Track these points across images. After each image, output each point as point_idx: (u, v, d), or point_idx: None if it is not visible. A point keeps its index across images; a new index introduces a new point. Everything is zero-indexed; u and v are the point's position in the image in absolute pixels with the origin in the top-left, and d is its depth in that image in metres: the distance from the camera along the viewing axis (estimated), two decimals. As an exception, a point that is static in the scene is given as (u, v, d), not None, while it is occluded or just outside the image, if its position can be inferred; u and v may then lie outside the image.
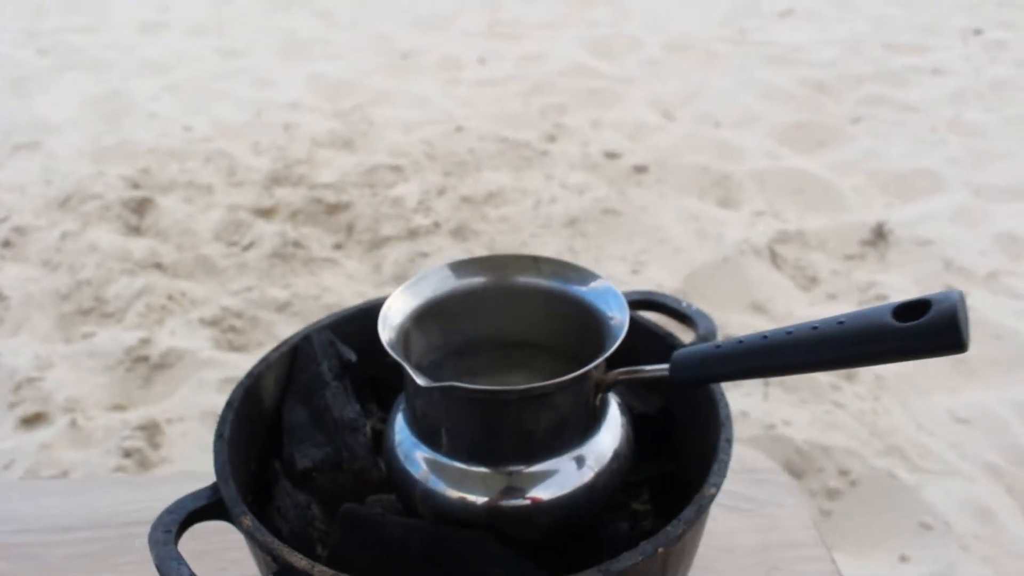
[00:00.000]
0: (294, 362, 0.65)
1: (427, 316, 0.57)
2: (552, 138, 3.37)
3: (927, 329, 0.45)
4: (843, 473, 1.81)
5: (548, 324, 0.59)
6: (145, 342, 2.15)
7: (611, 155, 3.19)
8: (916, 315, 0.46)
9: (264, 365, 0.62)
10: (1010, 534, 1.69)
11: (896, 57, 4.21)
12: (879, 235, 2.65)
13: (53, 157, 3.35)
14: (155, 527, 0.52)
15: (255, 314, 2.27)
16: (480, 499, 0.54)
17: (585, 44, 4.52)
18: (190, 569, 0.49)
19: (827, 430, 1.91)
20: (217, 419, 1.78)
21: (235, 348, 2.17)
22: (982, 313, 2.29)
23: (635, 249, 2.59)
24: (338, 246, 2.65)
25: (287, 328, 2.21)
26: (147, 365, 2.10)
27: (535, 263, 0.60)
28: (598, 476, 0.55)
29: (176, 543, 0.51)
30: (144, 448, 1.80)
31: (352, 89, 3.95)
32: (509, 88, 3.92)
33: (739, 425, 1.91)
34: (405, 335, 0.55)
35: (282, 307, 2.30)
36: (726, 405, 0.59)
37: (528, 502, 0.54)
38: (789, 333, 0.49)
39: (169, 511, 0.53)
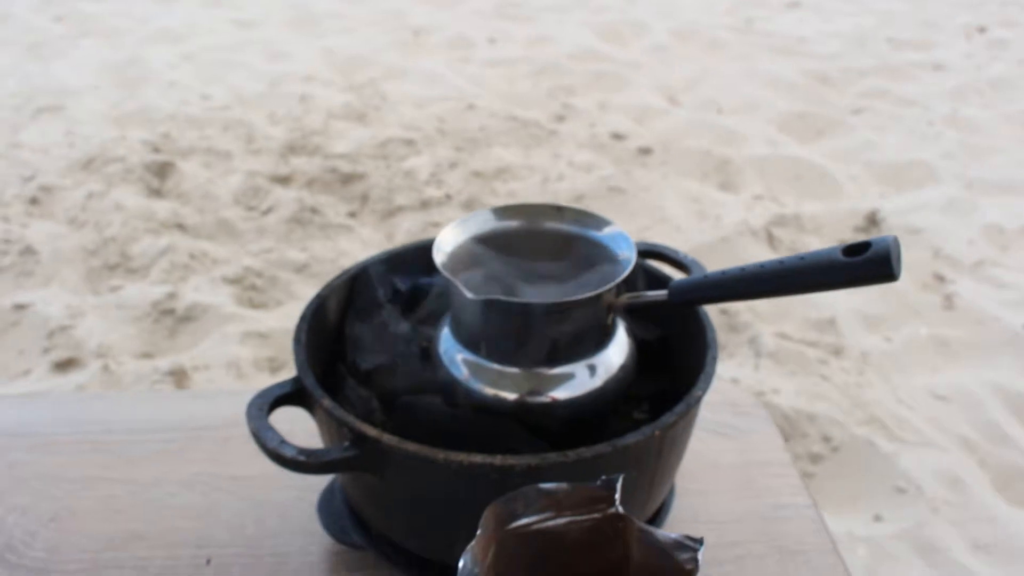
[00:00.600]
0: (353, 288, 0.77)
1: (471, 248, 0.69)
2: (560, 118, 3.48)
3: (867, 263, 0.57)
4: (826, 439, 1.94)
5: (569, 261, 0.71)
6: (171, 296, 2.27)
7: (617, 136, 3.30)
8: (859, 253, 0.58)
9: (329, 289, 0.75)
10: (977, 501, 1.81)
11: (899, 52, 4.32)
12: (872, 222, 2.77)
13: (75, 121, 3.45)
14: (250, 406, 0.64)
15: (275, 274, 2.39)
16: (511, 395, 0.66)
17: (593, 28, 4.62)
18: (280, 435, 0.61)
19: (813, 400, 2.04)
20: (239, 370, 1.88)
21: (256, 305, 2.29)
22: (967, 300, 2.41)
23: (638, 226, 2.71)
24: (352, 214, 2.77)
25: (306, 288, 2.33)
26: (173, 318, 2.22)
27: (559, 211, 0.73)
28: (607, 383, 0.68)
29: (267, 418, 0.63)
30: (173, 392, 1.92)
31: (365, 64, 4.05)
32: (519, 69, 4.02)
33: (730, 391, 2.03)
34: (454, 260, 0.67)
35: (300, 268, 2.42)
36: (713, 331, 0.71)
37: (549, 399, 0.66)
38: (762, 266, 0.61)
39: (259, 395, 0.65)
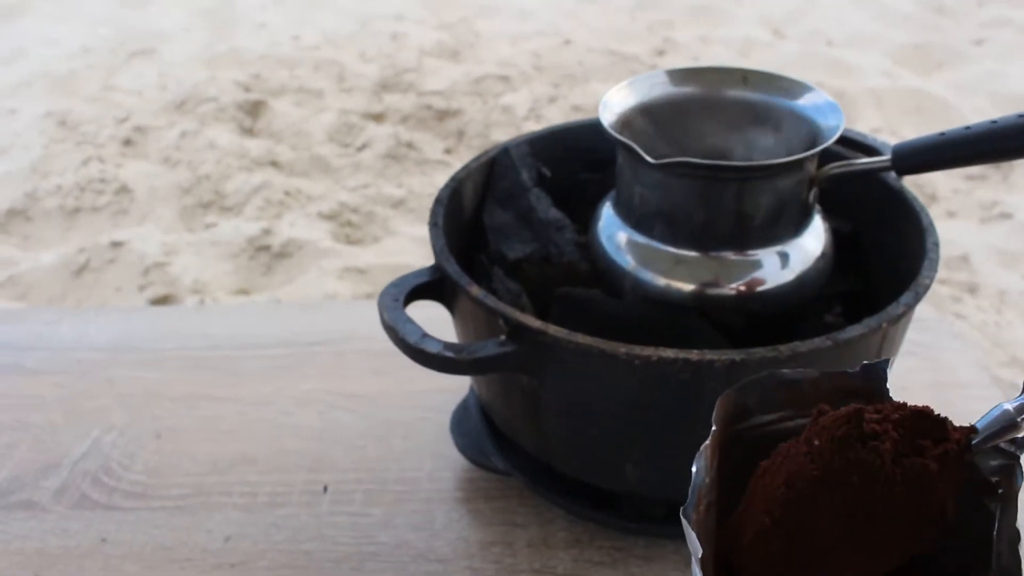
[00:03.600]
0: (491, 173, 0.66)
1: (641, 115, 0.58)
2: (661, 52, 3.32)
3: None
4: (964, 382, 1.79)
5: (758, 133, 0.59)
6: (266, 232, 2.20)
7: (722, 70, 3.14)
8: None
9: (465, 172, 0.64)
10: None
11: (1022, -22, 4.04)
12: (1001, 154, 2.57)
13: (167, 63, 3.41)
14: (383, 295, 0.54)
15: (371, 209, 2.31)
16: (687, 286, 0.55)
17: (692, -38, 4.41)
18: (418, 326, 0.51)
19: (948, 340, 1.89)
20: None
21: (352, 242, 2.22)
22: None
23: (748, 160, 2.56)
24: (449, 151, 2.67)
25: (403, 223, 2.25)
26: (269, 254, 2.15)
27: (745, 78, 0.60)
28: (803, 276, 0.56)
29: (403, 310, 0.53)
30: (271, 327, 1.85)
31: (456, 2, 3.93)
32: (615, 3, 3.86)
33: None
34: (621, 125, 0.56)
35: (397, 204, 2.33)
36: (927, 214, 0.59)
37: (733, 291, 0.55)
38: (1021, 116, 0.49)
39: (394, 284, 0.55)
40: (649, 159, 0.50)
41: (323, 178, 2.51)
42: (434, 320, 0.54)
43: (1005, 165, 2.55)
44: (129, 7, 4.09)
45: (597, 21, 3.66)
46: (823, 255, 0.57)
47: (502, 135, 2.67)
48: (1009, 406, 0.31)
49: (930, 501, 0.30)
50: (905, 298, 0.51)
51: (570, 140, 0.68)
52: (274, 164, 2.57)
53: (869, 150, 0.68)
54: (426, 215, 2.31)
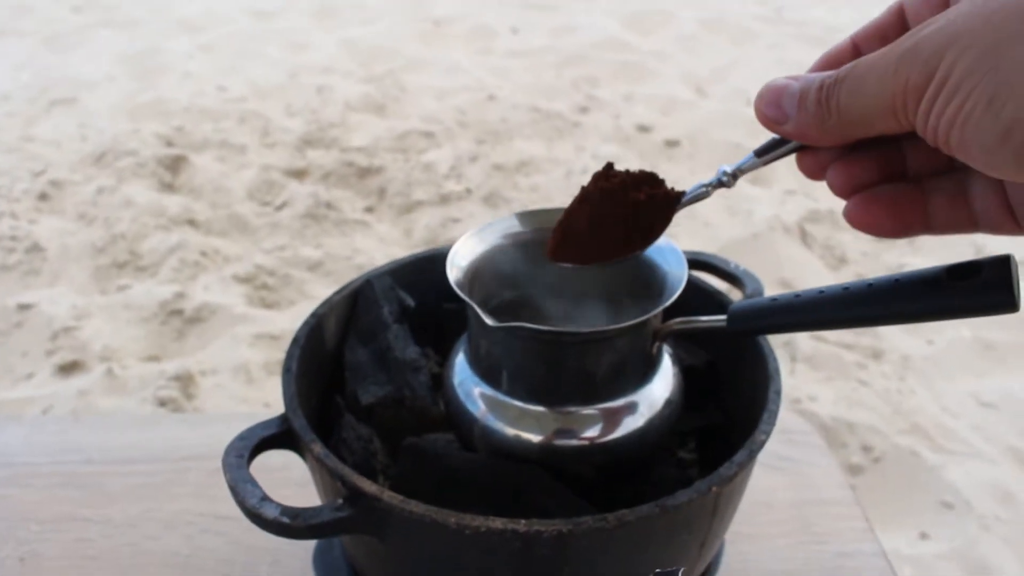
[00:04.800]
0: (355, 305, 0.67)
1: (492, 261, 0.59)
2: (584, 110, 3.37)
3: (981, 287, 0.46)
4: (866, 449, 1.83)
5: (607, 277, 0.61)
6: (179, 296, 2.18)
7: (643, 128, 3.19)
8: (969, 276, 0.47)
9: (327, 306, 0.65)
10: (1031, 517, 1.70)
11: (933, 40, 4.17)
12: (909, 217, 2.64)
13: (89, 113, 3.38)
14: (228, 452, 0.54)
15: (288, 272, 2.30)
16: (535, 437, 0.56)
17: (619, 17, 4.49)
18: (262, 489, 0.51)
19: (852, 407, 1.93)
20: (248, 374, 1.79)
21: (267, 305, 2.20)
22: (1011, 299, 2.29)
23: (665, 223, 2.60)
24: (369, 209, 2.67)
25: (319, 287, 2.24)
26: (181, 319, 2.13)
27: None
28: (650, 422, 0.57)
29: (248, 467, 0.53)
30: (179, 398, 1.83)
31: (385, 55, 3.95)
32: (542, 59, 3.91)
33: (781, 416, 1.93)
34: (471, 277, 0.57)
35: (314, 266, 2.33)
36: (775, 359, 0.60)
37: (581, 442, 0.56)
38: (846, 289, 0.50)
39: (241, 437, 0.55)
40: (489, 321, 0.51)
41: (241, 238, 2.49)
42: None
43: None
44: (53, 51, 4.05)
45: (523, 77, 3.70)
46: (669, 401, 0.59)
47: (423, 194, 2.68)
48: (705, 182, 0.53)
49: (640, 219, 0.53)
50: (738, 457, 0.52)
51: (435, 268, 0.69)
52: (191, 223, 2.55)
53: (730, 278, 0.70)
54: (343, 278, 2.32)
